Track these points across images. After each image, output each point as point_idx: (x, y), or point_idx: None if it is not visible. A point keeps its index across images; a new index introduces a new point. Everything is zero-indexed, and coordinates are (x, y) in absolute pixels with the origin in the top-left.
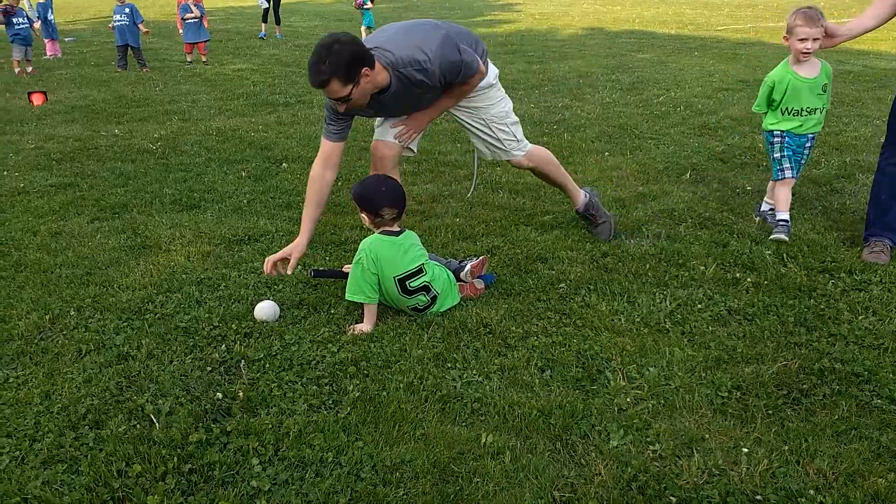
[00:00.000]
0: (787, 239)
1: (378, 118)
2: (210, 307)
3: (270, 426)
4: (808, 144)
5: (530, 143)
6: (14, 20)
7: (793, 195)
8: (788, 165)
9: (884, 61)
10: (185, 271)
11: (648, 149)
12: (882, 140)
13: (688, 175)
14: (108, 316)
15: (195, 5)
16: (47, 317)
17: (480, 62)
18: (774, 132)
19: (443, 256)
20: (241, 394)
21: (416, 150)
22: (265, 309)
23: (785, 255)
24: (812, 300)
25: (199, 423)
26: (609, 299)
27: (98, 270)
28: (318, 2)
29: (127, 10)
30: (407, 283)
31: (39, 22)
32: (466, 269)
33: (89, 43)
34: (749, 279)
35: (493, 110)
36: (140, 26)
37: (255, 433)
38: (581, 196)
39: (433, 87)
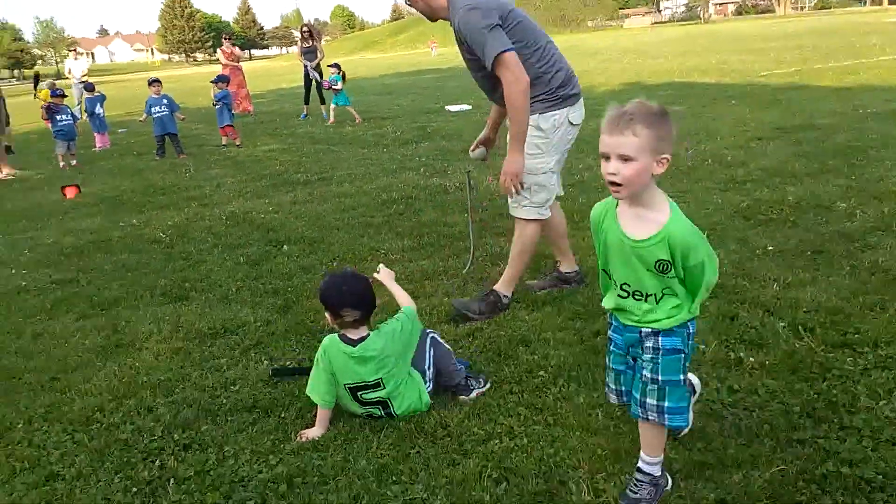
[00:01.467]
0: None
1: None
2: (158, 414)
3: None
4: (645, 350)
5: (539, 217)
6: (57, 117)
7: (819, 253)
8: (611, 381)
9: None
10: (148, 372)
11: None
12: None
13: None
14: (55, 428)
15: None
16: None
17: (512, 56)
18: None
19: (457, 358)
20: None
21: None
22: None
23: (801, 328)
24: (825, 383)
25: None
26: (589, 390)
27: (64, 375)
28: (364, 76)
29: (164, 101)
30: (359, 393)
31: (86, 116)
32: (472, 395)
33: (140, 133)
34: (754, 359)
35: (528, 160)
36: (178, 114)
37: None
38: (508, 291)
39: (462, 42)
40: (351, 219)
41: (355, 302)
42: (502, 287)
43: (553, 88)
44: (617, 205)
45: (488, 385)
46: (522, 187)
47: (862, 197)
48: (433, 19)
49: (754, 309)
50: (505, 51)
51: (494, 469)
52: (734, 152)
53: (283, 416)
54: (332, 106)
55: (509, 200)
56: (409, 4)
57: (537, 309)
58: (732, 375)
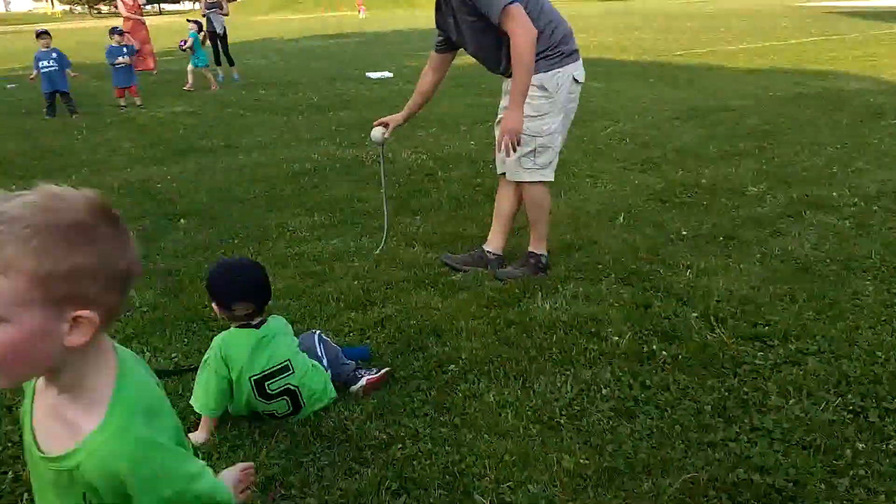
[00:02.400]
0: None
1: None
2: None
3: None
4: None
5: (543, 179)
6: None
7: (731, 239)
8: None
9: (842, 81)
10: None
11: (584, 189)
12: (835, 170)
13: (621, 219)
14: None
15: (125, 47)
16: None
17: (518, 7)
18: None
19: (337, 344)
20: None
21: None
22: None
23: (713, 319)
24: (737, 378)
25: None
26: (500, 386)
27: None
28: (282, 39)
29: (54, 55)
30: (266, 384)
31: None
32: (360, 383)
33: (31, 89)
34: (666, 352)
35: (529, 122)
36: (68, 71)
37: None
38: (542, 249)
39: (464, 2)
40: (258, 191)
41: (248, 292)
42: (535, 247)
43: (554, 44)
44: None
45: (384, 372)
46: (519, 144)
47: (772, 181)
48: None
49: (668, 298)
50: (511, 2)
51: (394, 480)
52: (651, 132)
53: None
54: (190, 68)
55: (507, 164)
56: None
57: (452, 295)
58: (645, 370)
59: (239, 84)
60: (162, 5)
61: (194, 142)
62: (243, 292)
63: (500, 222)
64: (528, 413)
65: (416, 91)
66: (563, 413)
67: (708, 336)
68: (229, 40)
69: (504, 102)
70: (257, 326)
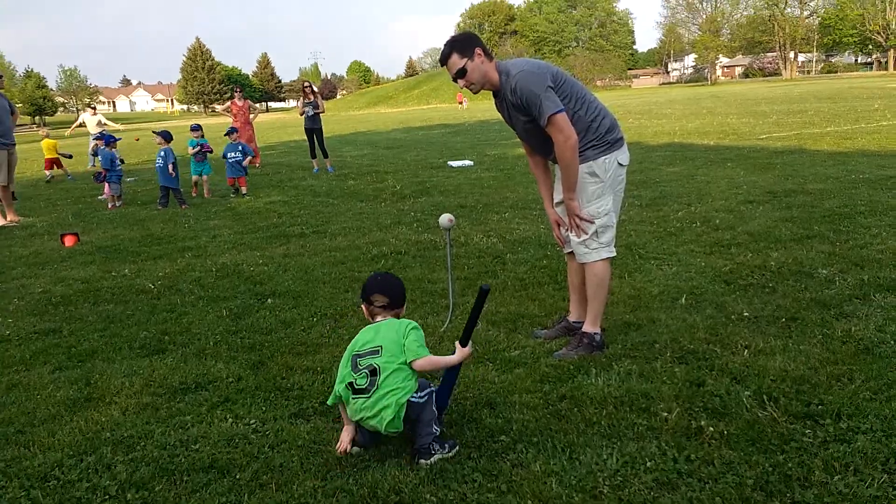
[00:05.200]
0: None
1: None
2: (115, 472)
3: None
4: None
5: (609, 256)
6: (117, 162)
7: (793, 320)
8: None
9: None
10: (112, 428)
11: (649, 270)
12: None
13: (682, 300)
14: (13, 483)
15: (240, 144)
16: None
17: (563, 116)
18: None
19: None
20: None
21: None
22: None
23: (765, 397)
24: (783, 455)
25: None
26: (547, 457)
27: (30, 428)
28: (375, 130)
29: (162, 153)
30: (358, 360)
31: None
32: (432, 460)
33: (147, 181)
34: (714, 428)
35: (588, 207)
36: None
37: None
38: (596, 328)
39: (517, 105)
40: (338, 273)
41: (384, 289)
42: (590, 327)
43: (601, 134)
44: None
45: (454, 451)
46: (587, 231)
47: (844, 263)
48: (479, 90)
49: (722, 376)
50: (556, 112)
51: None
52: (723, 215)
53: (238, 477)
54: (194, 177)
55: (580, 251)
56: (457, 79)
57: (508, 371)
58: (691, 445)
59: (332, 175)
60: (269, 103)
61: (286, 228)
62: (380, 287)
63: (576, 293)
64: (573, 482)
65: (539, 181)
66: (607, 483)
67: (759, 413)
68: (325, 134)
69: (558, 186)
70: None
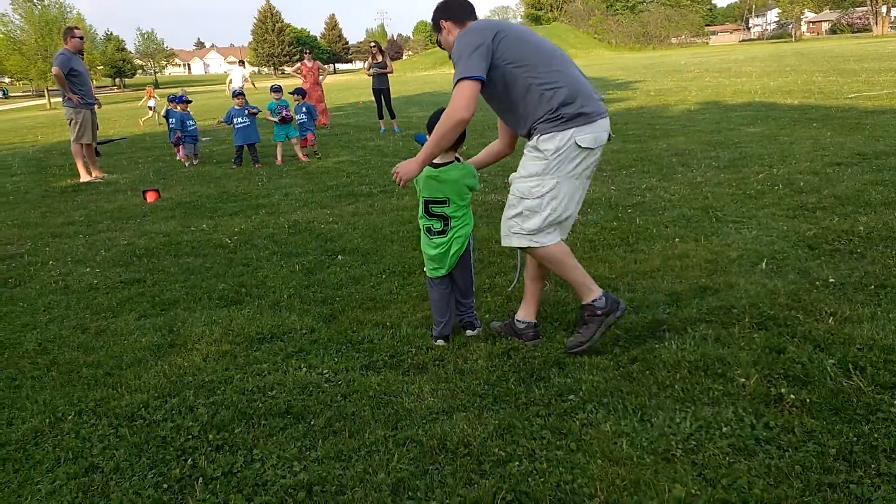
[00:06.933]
0: None
1: None
2: (197, 414)
3: None
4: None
5: (532, 246)
6: (189, 122)
7: (883, 287)
8: None
9: None
10: (194, 373)
11: (727, 234)
12: None
13: (763, 264)
14: (102, 422)
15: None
16: (47, 421)
17: (470, 85)
18: None
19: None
20: None
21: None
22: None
23: (851, 366)
24: (868, 426)
25: None
26: (617, 417)
27: (118, 371)
28: (441, 91)
29: (245, 111)
30: (430, 206)
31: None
32: (476, 331)
33: (223, 141)
34: (795, 396)
35: (520, 183)
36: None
37: None
38: (592, 296)
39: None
40: (406, 232)
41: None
42: (586, 298)
43: (554, 107)
44: None
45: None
46: (515, 206)
47: None
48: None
49: (804, 343)
50: (465, 77)
51: (509, 492)
52: (808, 178)
53: (312, 423)
54: (279, 143)
55: (502, 229)
56: (438, 45)
57: None
58: (770, 412)
59: (399, 135)
60: (337, 65)
61: (354, 188)
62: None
63: (531, 285)
64: (644, 444)
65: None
66: (679, 447)
67: (843, 382)
68: (392, 95)
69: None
70: (437, 167)
